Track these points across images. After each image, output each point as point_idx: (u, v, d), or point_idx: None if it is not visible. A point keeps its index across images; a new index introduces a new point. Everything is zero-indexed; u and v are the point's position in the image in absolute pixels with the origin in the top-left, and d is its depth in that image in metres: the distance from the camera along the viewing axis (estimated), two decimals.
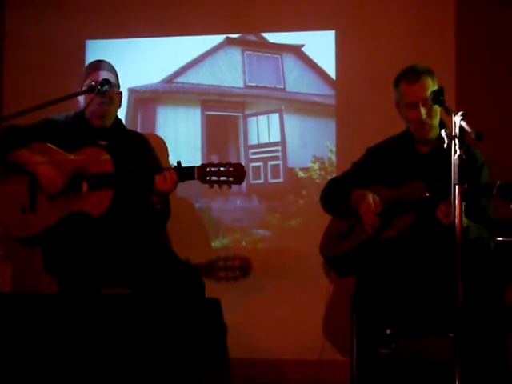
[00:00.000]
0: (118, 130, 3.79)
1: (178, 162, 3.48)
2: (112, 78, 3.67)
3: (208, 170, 3.41)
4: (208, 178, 3.41)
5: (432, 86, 3.39)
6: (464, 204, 3.05)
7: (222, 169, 3.40)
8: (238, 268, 4.46)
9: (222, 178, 3.41)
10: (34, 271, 3.89)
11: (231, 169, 3.41)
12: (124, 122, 3.97)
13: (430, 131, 3.45)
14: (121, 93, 3.80)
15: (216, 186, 3.43)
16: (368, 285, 3.38)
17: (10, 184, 3.59)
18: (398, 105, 3.54)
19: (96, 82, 3.58)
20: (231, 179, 3.41)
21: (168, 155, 4.56)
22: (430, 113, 3.41)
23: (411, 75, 3.44)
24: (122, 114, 3.91)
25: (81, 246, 3.48)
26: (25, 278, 4.61)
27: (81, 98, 3.73)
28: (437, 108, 3.39)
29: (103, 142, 3.68)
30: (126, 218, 3.60)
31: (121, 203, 3.53)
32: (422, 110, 3.39)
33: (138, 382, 3.33)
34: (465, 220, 3.18)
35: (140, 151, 3.77)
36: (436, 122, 3.44)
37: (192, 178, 3.45)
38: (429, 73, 3.45)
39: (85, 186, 3.51)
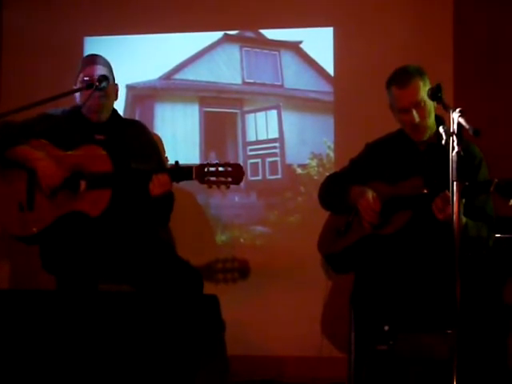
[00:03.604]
0: (115, 123, 3.77)
1: (176, 162, 3.46)
2: (106, 72, 3.66)
3: (206, 170, 3.38)
4: (206, 178, 3.39)
5: (423, 86, 3.36)
6: (463, 201, 3.06)
7: (220, 169, 3.38)
8: (237, 270, 4.46)
9: (221, 179, 3.38)
10: (32, 268, 3.88)
11: (230, 169, 3.38)
12: None
13: (425, 132, 3.45)
14: (116, 85, 3.79)
15: (214, 186, 3.41)
16: (366, 281, 3.38)
17: (8, 182, 3.59)
18: (391, 107, 3.53)
19: (90, 77, 3.59)
20: (230, 179, 3.38)
21: (165, 152, 4.55)
22: (424, 114, 3.39)
23: (401, 79, 3.41)
24: (120, 110, 3.90)
25: (79, 243, 3.48)
26: (23, 276, 4.61)
27: (76, 94, 3.72)
28: (431, 106, 3.38)
29: (101, 137, 3.67)
30: (124, 215, 3.60)
31: (119, 201, 3.52)
32: (415, 114, 3.38)
33: (137, 379, 3.34)
34: (463, 218, 3.18)
35: (139, 141, 3.73)
36: (431, 121, 3.43)
37: (190, 178, 3.42)
38: (419, 74, 3.41)
39: (83, 185, 3.51)
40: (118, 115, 3.85)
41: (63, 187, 3.51)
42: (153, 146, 3.83)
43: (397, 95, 3.43)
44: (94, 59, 3.74)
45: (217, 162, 3.42)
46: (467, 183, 2.99)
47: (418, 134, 3.46)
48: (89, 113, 3.68)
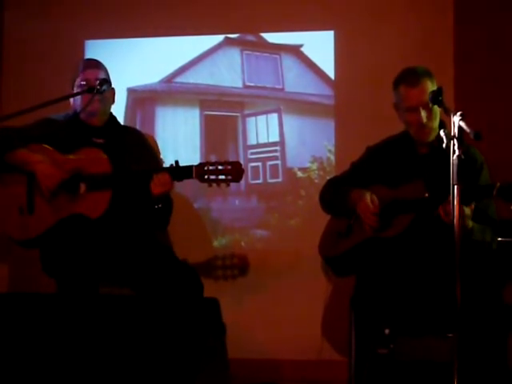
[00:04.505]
0: (113, 127, 3.79)
1: (176, 162, 3.47)
2: (103, 76, 3.67)
3: (206, 168, 3.40)
4: (206, 176, 3.40)
5: (432, 87, 3.37)
6: (472, 206, 3.08)
7: (219, 167, 3.39)
8: (237, 266, 4.46)
9: (221, 177, 3.40)
10: (32, 271, 3.88)
11: (229, 167, 3.40)
12: (123, 122, 3.96)
13: (430, 134, 3.45)
14: (113, 89, 3.80)
15: (214, 184, 3.43)
16: (367, 284, 3.38)
17: (8, 185, 3.59)
18: (396, 107, 3.53)
19: (87, 81, 3.60)
20: (229, 177, 3.40)
21: (159, 153, 4.55)
22: (431, 115, 3.40)
23: (411, 78, 3.43)
24: (120, 113, 3.91)
25: (79, 245, 3.48)
26: (22, 279, 4.61)
27: (72, 98, 3.72)
28: (437, 109, 3.38)
29: (99, 140, 3.67)
30: (124, 217, 3.60)
31: (119, 203, 3.53)
32: (423, 114, 3.39)
33: (137, 382, 3.34)
34: (470, 222, 3.18)
35: (136, 146, 3.76)
36: (436, 123, 3.44)
37: (190, 176, 3.44)
38: (428, 75, 3.44)
39: (83, 187, 3.51)
40: (116, 120, 3.86)
41: (63, 189, 3.51)
42: (151, 154, 3.85)
43: (406, 94, 3.43)
44: (92, 63, 3.75)
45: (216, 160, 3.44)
46: (469, 187, 3.00)
47: (423, 134, 3.46)
48: (88, 117, 3.69)
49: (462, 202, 2.81)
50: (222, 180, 3.40)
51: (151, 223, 3.67)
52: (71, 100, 3.72)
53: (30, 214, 3.55)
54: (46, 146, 3.60)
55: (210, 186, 3.44)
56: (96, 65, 3.74)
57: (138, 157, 3.67)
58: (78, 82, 3.66)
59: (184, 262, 3.69)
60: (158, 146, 4.58)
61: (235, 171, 3.40)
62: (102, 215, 3.46)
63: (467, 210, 3.15)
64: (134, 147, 3.74)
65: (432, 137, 3.46)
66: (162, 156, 4.53)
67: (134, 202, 3.58)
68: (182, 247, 4.13)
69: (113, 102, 3.80)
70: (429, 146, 3.50)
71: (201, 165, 3.43)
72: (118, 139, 3.72)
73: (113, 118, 3.83)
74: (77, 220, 3.49)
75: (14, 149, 3.56)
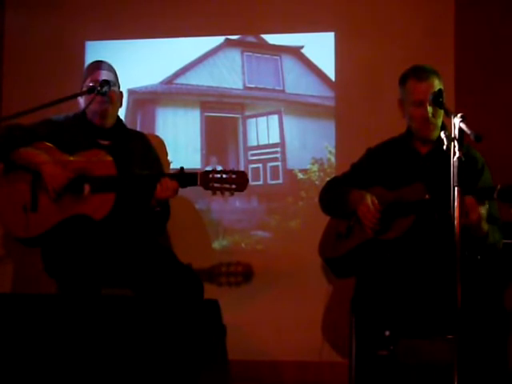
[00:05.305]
0: (120, 130, 3.80)
1: (181, 168, 3.49)
2: (111, 78, 3.69)
3: (211, 176, 3.42)
4: (211, 184, 3.43)
5: (439, 85, 3.40)
6: (486, 207, 3.08)
7: (224, 176, 3.42)
8: (241, 274, 4.46)
9: (225, 185, 3.42)
10: (35, 271, 3.88)
11: (234, 176, 3.43)
12: None
13: (434, 130, 3.46)
14: (121, 92, 3.82)
15: (218, 192, 3.44)
16: (367, 286, 3.38)
17: (13, 183, 3.60)
18: (401, 102, 3.55)
19: (95, 82, 3.60)
20: (234, 186, 3.43)
21: (167, 155, 4.56)
22: (435, 112, 3.41)
23: (420, 73, 3.45)
24: (121, 115, 3.91)
25: (81, 247, 3.48)
26: (26, 278, 4.60)
27: (81, 100, 3.74)
28: (440, 110, 3.39)
29: (105, 142, 3.69)
30: (126, 220, 3.61)
31: (122, 206, 3.53)
32: (429, 109, 3.40)
33: (138, 383, 3.34)
34: (485, 225, 3.18)
35: (142, 151, 3.79)
36: (439, 122, 3.45)
37: (195, 184, 3.46)
38: (436, 73, 3.46)
39: (87, 188, 3.52)
40: (123, 123, 3.88)
41: (67, 190, 3.51)
42: (155, 158, 3.86)
43: (413, 87, 3.45)
44: (100, 65, 3.77)
45: (221, 168, 3.46)
46: (470, 190, 3.00)
47: (426, 130, 3.47)
48: (93, 117, 3.71)
49: (478, 201, 2.82)
50: (226, 189, 3.42)
51: (149, 227, 3.67)
52: (80, 102, 3.73)
53: (33, 212, 3.55)
54: (50, 144, 3.61)
55: (214, 193, 3.46)
56: (105, 67, 3.75)
57: (142, 161, 3.69)
58: (88, 82, 3.68)
59: (185, 264, 3.69)
60: (165, 148, 4.58)
61: (240, 181, 3.43)
62: (106, 217, 3.47)
63: (483, 209, 3.15)
64: (138, 151, 3.76)
65: (435, 134, 3.46)
66: (169, 158, 4.54)
67: (136, 204, 3.58)
68: (182, 248, 4.13)
69: (120, 105, 3.82)
70: (430, 144, 3.51)
71: (206, 172, 3.45)
72: (124, 142, 3.74)
73: (120, 121, 3.84)
74: (80, 221, 3.49)
75: (19, 147, 3.57)
